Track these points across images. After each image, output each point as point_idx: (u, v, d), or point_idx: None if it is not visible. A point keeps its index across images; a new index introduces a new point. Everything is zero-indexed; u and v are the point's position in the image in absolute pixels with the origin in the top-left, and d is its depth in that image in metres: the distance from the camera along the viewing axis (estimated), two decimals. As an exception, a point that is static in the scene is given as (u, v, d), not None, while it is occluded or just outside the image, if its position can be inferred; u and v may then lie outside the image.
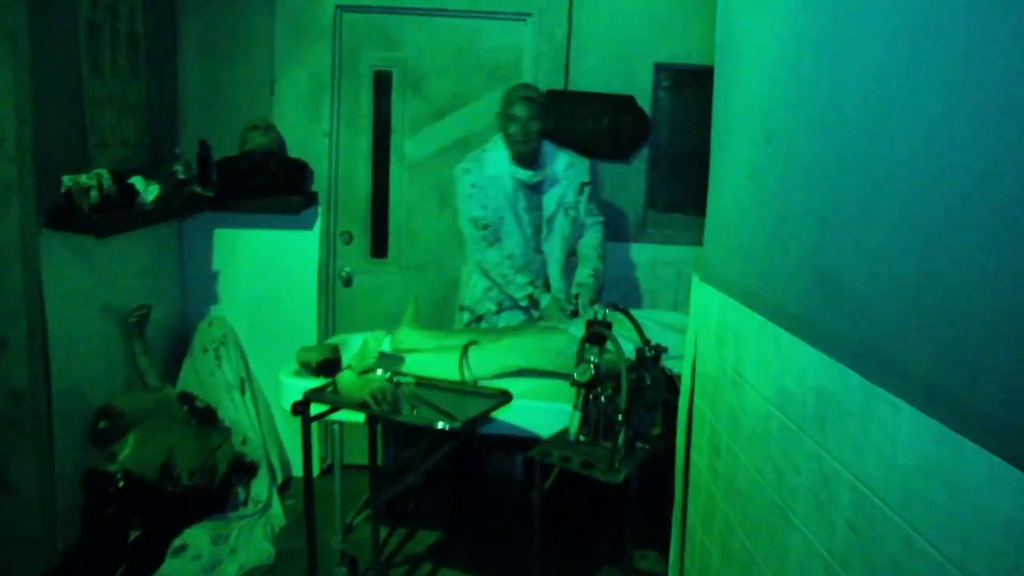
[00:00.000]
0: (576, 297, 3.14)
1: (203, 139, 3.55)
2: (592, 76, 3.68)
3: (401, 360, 2.77)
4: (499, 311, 3.29)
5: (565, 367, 2.79)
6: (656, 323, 2.79)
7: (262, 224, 3.70)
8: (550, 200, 3.24)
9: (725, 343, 1.66)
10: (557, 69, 3.67)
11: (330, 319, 3.86)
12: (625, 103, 3.66)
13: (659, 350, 2.09)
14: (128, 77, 3.19)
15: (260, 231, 3.73)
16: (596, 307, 2.16)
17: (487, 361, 2.80)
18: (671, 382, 2.13)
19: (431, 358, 2.84)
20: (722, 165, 1.82)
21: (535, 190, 3.23)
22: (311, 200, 3.68)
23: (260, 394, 3.79)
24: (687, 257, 3.79)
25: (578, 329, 2.78)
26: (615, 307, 2.17)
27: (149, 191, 3.07)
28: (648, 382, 2.06)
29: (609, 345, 2.11)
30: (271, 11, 3.60)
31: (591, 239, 3.33)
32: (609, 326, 2.12)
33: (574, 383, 2.08)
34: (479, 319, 3.32)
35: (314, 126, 3.70)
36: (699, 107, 5.34)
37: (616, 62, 3.67)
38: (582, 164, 3.31)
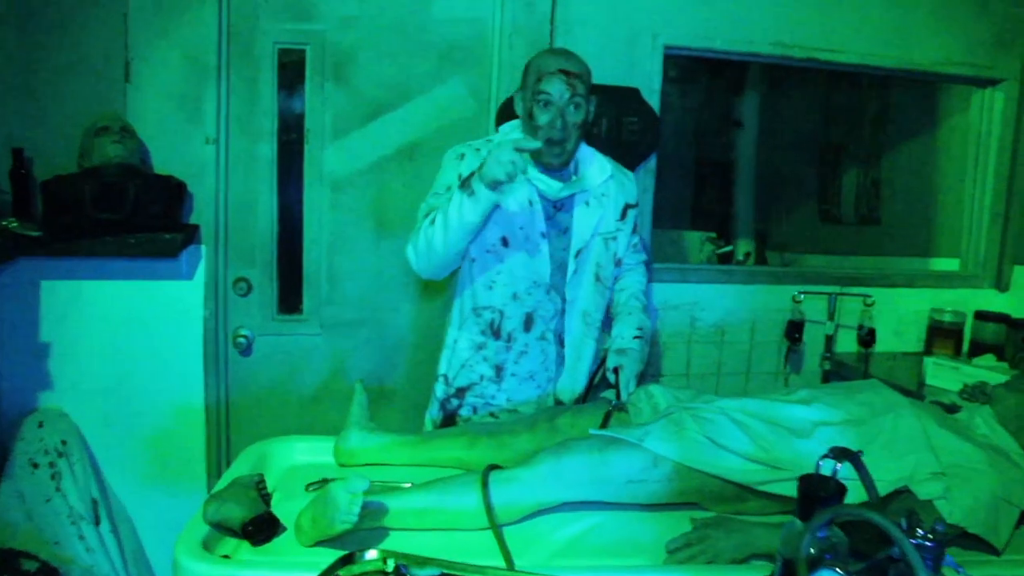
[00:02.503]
0: (616, 371, 2.13)
1: (18, 148, 2.30)
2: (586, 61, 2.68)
3: (383, 512, 1.69)
4: (499, 377, 2.22)
5: (635, 498, 1.82)
6: (760, 421, 1.87)
7: (118, 273, 2.52)
8: (582, 224, 2.19)
9: None
10: (537, 50, 2.64)
11: (222, 404, 2.69)
12: (629, 98, 2.73)
13: (942, 535, 1.13)
14: None
15: (115, 283, 2.56)
16: (824, 461, 1.18)
17: (518, 497, 1.78)
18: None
19: (426, 498, 1.77)
20: None
21: (560, 208, 2.19)
22: (191, 237, 2.50)
23: (124, 518, 2.57)
24: (701, 298, 2.90)
25: (657, 442, 1.81)
26: (847, 453, 1.19)
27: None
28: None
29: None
30: (123, -41, 2.39)
31: (632, 282, 2.36)
32: (842, 492, 1.14)
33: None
34: (460, 394, 2.25)
35: (193, 128, 2.55)
36: (717, 104, 4.47)
37: (615, 43, 2.75)
38: (626, 177, 2.31)
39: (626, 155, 2.75)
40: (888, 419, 1.88)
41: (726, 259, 4.40)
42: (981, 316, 2.98)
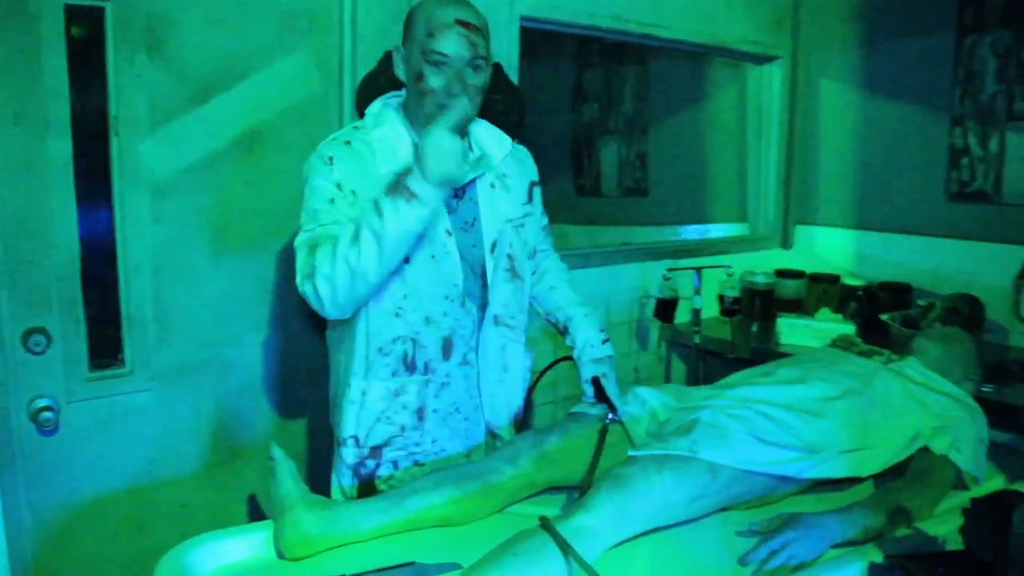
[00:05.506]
0: (596, 382, 1.94)
1: None
2: (445, 32, 2.40)
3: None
4: (420, 420, 1.89)
5: (696, 514, 1.73)
6: (779, 409, 1.86)
7: None
8: (491, 211, 1.88)
9: None
10: (394, 18, 2.35)
11: (24, 512, 1.95)
12: (492, 73, 2.47)
13: None
14: None
15: None
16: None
17: (591, 547, 1.62)
18: None
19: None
20: None
21: (460, 196, 1.85)
22: (-33, 277, 1.77)
23: None
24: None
25: (711, 451, 1.74)
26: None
27: None
28: None
29: None
30: None
31: (560, 276, 2.14)
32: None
33: None
34: (376, 453, 1.89)
35: (-51, 120, 1.77)
36: (563, 81, 4.10)
37: None
38: (522, 151, 2.05)
39: (492, 137, 2.53)
40: (878, 385, 1.98)
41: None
42: (781, 274, 3.30)
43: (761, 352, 2.80)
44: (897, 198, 3.19)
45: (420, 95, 1.73)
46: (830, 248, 3.40)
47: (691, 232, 3.79)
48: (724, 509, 1.81)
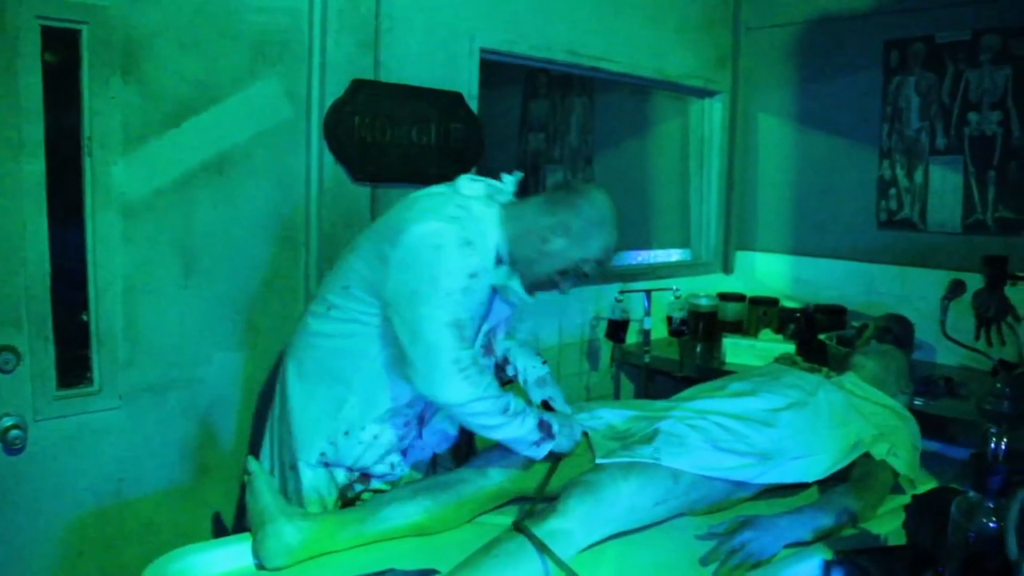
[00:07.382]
0: (546, 405, 2.10)
1: None
2: (410, 62, 2.58)
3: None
4: (406, 456, 2.06)
5: (658, 517, 1.83)
6: (732, 419, 1.98)
7: None
8: (494, 314, 1.99)
9: None
10: (363, 48, 2.46)
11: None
12: (452, 103, 2.65)
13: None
14: None
15: None
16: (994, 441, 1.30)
17: (566, 550, 1.72)
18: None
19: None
20: None
21: None
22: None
23: None
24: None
25: (672, 458, 1.86)
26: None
27: None
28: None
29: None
30: None
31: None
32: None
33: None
34: (365, 479, 1.98)
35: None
36: (510, 110, 4.15)
37: (435, 44, 2.64)
38: None
39: (453, 164, 2.62)
40: (821, 396, 2.12)
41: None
42: (724, 297, 3.47)
43: (707, 371, 2.94)
44: (831, 226, 3.39)
45: (549, 279, 1.91)
46: (768, 272, 3.59)
47: (635, 257, 3.94)
48: (685, 514, 1.92)
